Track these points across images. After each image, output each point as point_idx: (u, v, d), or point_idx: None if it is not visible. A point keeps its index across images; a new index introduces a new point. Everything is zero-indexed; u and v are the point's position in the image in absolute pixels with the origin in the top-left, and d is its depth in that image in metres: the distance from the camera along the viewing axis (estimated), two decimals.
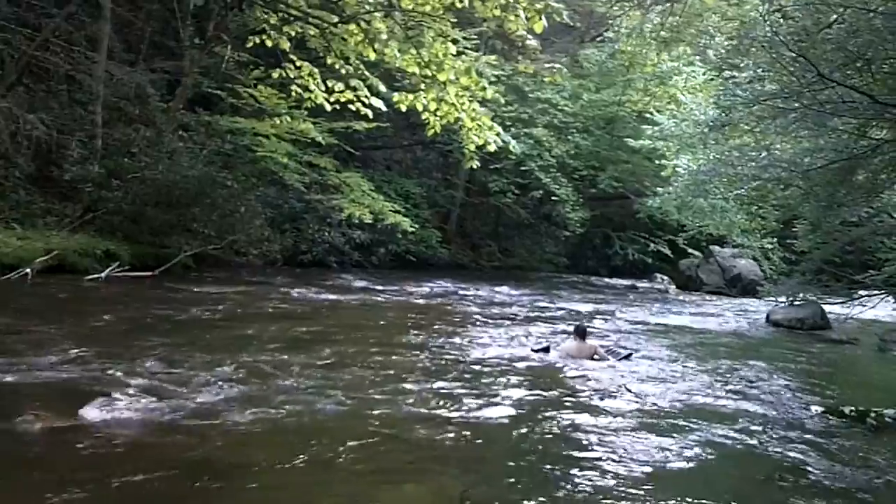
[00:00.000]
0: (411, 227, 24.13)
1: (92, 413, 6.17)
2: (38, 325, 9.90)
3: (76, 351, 8.38)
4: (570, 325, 14.78)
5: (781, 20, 10.71)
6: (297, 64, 17.76)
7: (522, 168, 27.53)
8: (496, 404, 7.92)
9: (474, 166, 17.80)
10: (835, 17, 9.49)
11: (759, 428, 7.85)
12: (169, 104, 20.15)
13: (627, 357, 11.68)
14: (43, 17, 17.82)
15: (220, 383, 7.58)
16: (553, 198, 27.99)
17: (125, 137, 18.47)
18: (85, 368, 7.70)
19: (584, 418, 7.64)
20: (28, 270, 13.94)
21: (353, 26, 15.81)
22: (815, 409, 9.08)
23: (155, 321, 11.44)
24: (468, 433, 6.83)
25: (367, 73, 17.73)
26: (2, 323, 9.88)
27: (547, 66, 27.56)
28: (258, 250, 21.34)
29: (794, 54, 9.11)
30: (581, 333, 11.69)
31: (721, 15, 18.08)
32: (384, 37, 15.40)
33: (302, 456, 5.78)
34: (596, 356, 11.32)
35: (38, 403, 6.34)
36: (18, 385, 6.99)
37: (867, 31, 8.62)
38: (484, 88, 15.70)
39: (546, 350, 11.57)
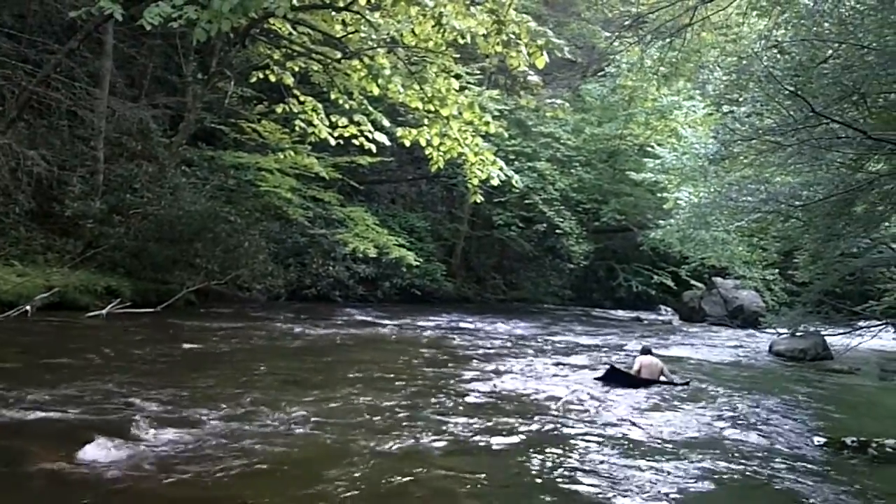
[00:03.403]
0: (416, 260, 24.13)
1: (93, 453, 6.16)
2: (37, 364, 9.91)
3: (75, 390, 8.39)
4: (595, 358, 14.85)
5: (778, 55, 10.81)
6: (301, 99, 17.91)
7: (526, 201, 27.62)
8: (505, 435, 7.96)
9: (478, 200, 17.78)
10: (830, 52, 9.58)
11: (761, 459, 7.89)
12: (171, 139, 20.23)
13: (687, 384, 12.44)
14: (44, 52, 17.87)
15: (221, 421, 7.58)
16: (557, 231, 28.02)
17: (127, 173, 18.49)
18: (84, 407, 7.70)
19: (587, 449, 7.69)
20: (28, 307, 13.95)
21: (356, 62, 15.94)
22: (817, 439, 9.13)
23: (155, 358, 11.42)
24: (475, 466, 6.85)
25: (370, 108, 17.87)
26: (1, 361, 9.89)
27: (549, 100, 27.81)
28: (262, 285, 21.37)
29: (790, 90, 9.16)
30: (649, 352, 12.97)
31: (720, 50, 18.15)
32: (387, 72, 15.50)
33: (308, 492, 5.79)
34: (663, 376, 12.29)
35: (39, 443, 6.37)
36: (19, 424, 7.00)
37: (861, 66, 8.69)
38: (487, 123, 15.75)
39: (614, 371, 12.12)
